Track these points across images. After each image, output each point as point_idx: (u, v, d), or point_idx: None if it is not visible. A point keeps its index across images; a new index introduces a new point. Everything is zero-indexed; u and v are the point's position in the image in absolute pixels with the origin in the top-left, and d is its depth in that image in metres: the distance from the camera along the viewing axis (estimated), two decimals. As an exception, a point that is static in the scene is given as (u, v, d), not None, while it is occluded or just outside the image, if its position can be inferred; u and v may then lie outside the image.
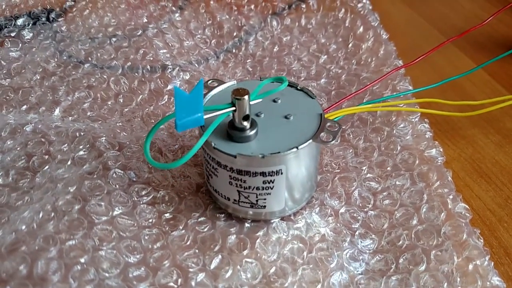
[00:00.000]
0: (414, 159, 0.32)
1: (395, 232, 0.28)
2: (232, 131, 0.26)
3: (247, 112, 0.26)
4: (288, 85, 0.30)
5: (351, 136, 0.34)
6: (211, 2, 0.49)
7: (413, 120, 0.35)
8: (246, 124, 0.26)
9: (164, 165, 0.26)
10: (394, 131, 0.34)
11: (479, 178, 0.33)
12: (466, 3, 0.51)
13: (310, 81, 0.39)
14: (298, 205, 0.29)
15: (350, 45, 0.43)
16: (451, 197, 0.30)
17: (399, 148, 0.33)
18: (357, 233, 0.28)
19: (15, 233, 0.26)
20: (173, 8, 0.48)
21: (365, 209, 0.30)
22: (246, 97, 0.25)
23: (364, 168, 0.32)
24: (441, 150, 0.33)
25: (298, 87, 0.30)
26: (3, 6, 0.48)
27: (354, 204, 0.30)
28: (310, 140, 0.26)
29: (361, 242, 0.28)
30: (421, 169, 0.31)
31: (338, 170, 0.32)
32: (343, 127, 0.35)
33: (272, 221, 0.28)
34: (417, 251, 0.27)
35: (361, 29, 0.44)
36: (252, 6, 0.48)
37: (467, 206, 0.29)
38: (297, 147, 0.25)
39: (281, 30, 0.45)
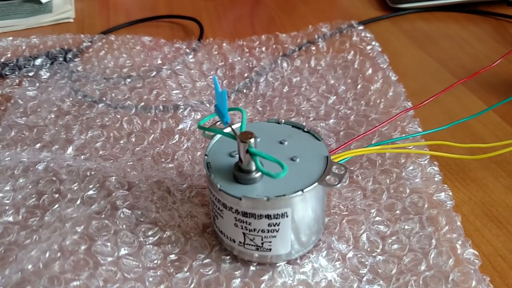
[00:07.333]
0: (423, 202, 0.32)
1: (403, 278, 0.28)
2: (238, 173, 0.26)
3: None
4: (295, 127, 0.30)
5: (360, 177, 0.34)
6: (224, 44, 0.50)
7: (422, 162, 0.35)
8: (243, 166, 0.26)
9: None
10: (403, 174, 0.34)
11: (489, 223, 0.32)
12: (476, 44, 0.52)
13: (319, 121, 0.40)
14: (304, 249, 0.29)
15: (359, 86, 0.43)
16: (460, 242, 0.29)
17: (408, 191, 0.33)
18: (364, 278, 0.28)
19: (21, 273, 0.26)
20: (187, 50, 0.50)
21: (373, 254, 0.29)
22: (251, 140, 0.25)
23: (372, 211, 0.32)
24: (450, 193, 0.32)
25: (305, 129, 0.30)
26: (23, 47, 0.50)
27: (362, 248, 0.29)
28: (316, 183, 0.26)
29: (368, 288, 0.27)
30: (430, 213, 0.31)
31: (346, 213, 0.32)
32: (352, 168, 0.35)
33: (278, 264, 0.28)
34: (425, 299, 0.26)
35: (370, 71, 0.45)
36: (263, 48, 0.49)
37: (476, 252, 0.29)
38: (302, 190, 0.25)
39: (291, 71, 0.46)
